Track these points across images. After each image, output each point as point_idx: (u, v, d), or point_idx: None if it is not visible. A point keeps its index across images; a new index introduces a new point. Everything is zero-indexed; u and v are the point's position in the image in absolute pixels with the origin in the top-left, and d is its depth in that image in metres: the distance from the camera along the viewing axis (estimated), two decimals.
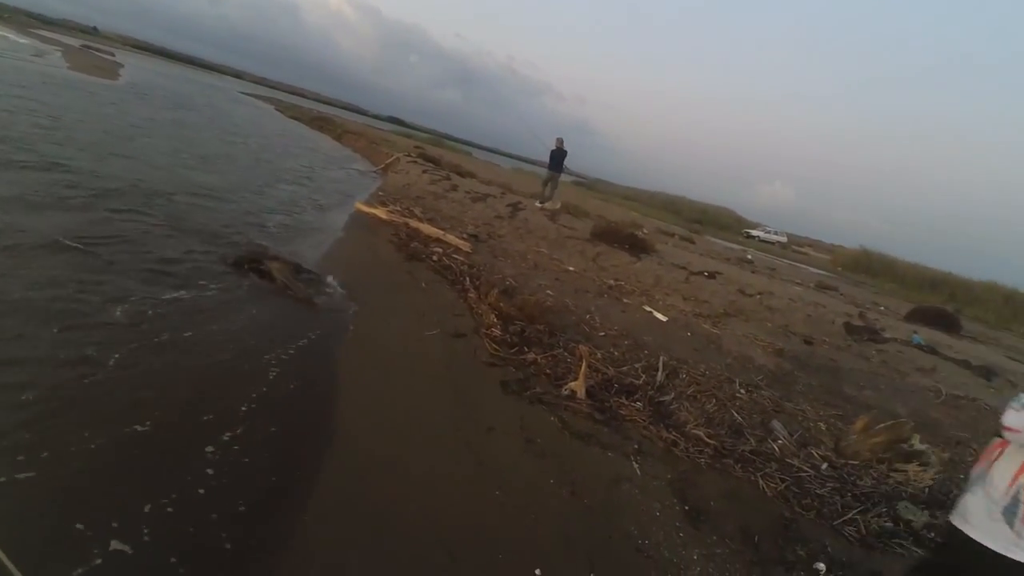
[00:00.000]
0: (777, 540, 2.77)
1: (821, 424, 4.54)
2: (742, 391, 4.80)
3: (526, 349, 4.36)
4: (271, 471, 2.41)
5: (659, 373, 4.64)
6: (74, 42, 47.27)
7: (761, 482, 3.23)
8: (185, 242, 5.05)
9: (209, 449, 2.41)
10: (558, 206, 13.62)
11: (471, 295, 5.46)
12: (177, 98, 22.57)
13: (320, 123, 32.06)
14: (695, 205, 40.92)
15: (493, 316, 4.85)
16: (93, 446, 2.22)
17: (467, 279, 5.98)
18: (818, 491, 3.31)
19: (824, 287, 13.20)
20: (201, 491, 2.16)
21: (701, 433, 3.63)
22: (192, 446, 2.41)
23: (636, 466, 3.08)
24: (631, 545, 2.50)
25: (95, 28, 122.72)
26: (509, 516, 2.51)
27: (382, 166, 17.17)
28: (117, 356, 2.92)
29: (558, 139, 13.09)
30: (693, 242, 17.24)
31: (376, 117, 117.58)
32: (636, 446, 3.29)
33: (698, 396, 4.41)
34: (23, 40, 31.81)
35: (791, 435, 4.10)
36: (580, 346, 4.44)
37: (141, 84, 24.38)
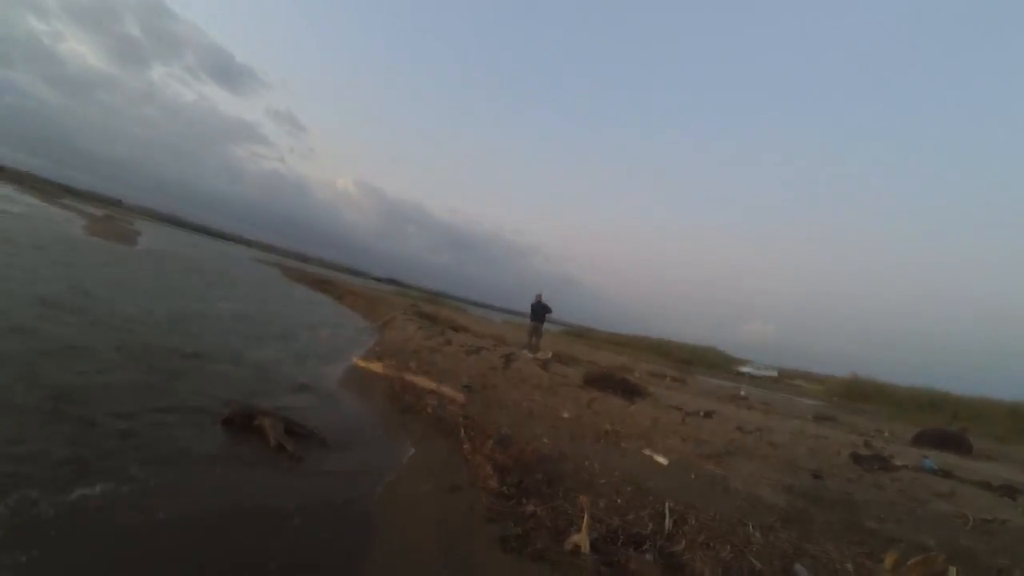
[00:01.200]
0: None
1: (848, 564, 4.22)
2: (757, 534, 4.52)
3: (525, 501, 4.19)
4: None
5: (666, 520, 4.41)
6: (98, 212, 50.90)
7: None
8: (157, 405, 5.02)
9: None
10: (550, 355, 13.89)
11: (466, 446, 5.35)
12: (187, 262, 23.82)
13: (323, 285, 33.70)
14: (682, 346, 41.50)
15: (489, 467, 4.73)
16: None
17: (462, 430, 5.90)
18: None
19: (823, 417, 12.99)
20: None
21: None
22: None
23: None
24: None
25: (119, 200, 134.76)
26: None
27: (380, 323, 17.67)
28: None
29: (538, 294, 14.18)
30: (685, 382, 17.26)
31: (376, 279, 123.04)
32: None
33: (711, 543, 4.15)
34: (50, 207, 34.43)
35: None
36: (581, 496, 4.28)
37: (156, 250, 26.02)
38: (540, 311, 14.26)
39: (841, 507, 5.73)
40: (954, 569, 3.82)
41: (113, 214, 56.81)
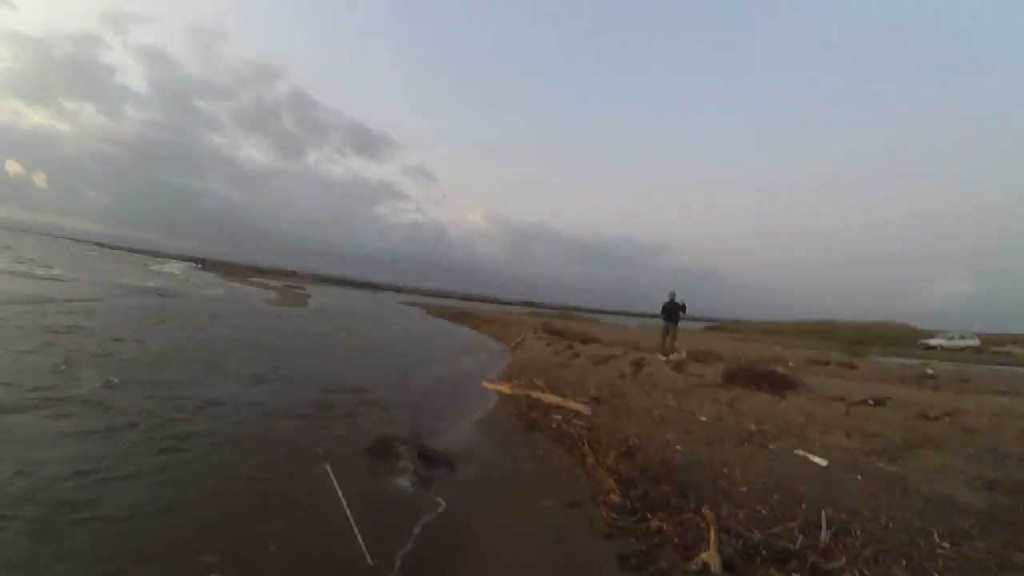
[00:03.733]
0: None
1: None
2: (945, 544, 3.77)
3: (650, 515, 3.98)
4: None
5: (822, 532, 3.87)
6: (277, 283, 64.97)
7: None
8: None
9: None
10: (684, 355, 13.13)
11: (588, 460, 5.26)
12: (347, 316, 27.96)
13: (461, 316, 37.88)
14: (849, 325, 36.49)
15: (611, 480, 4.59)
16: None
17: (585, 443, 5.82)
18: None
19: None
20: None
21: None
22: None
23: None
24: None
25: (294, 271, 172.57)
26: None
27: (511, 345, 18.30)
28: None
29: (671, 293, 13.52)
30: (854, 366, 15.05)
31: (510, 303, 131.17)
32: None
33: (880, 557, 3.55)
34: (242, 286, 44.83)
35: None
36: (704, 509, 3.95)
37: (322, 308, 31.46)
38: (673, 310, 13.59)
39: None
40: None
41: (290, 283, 72.39)
